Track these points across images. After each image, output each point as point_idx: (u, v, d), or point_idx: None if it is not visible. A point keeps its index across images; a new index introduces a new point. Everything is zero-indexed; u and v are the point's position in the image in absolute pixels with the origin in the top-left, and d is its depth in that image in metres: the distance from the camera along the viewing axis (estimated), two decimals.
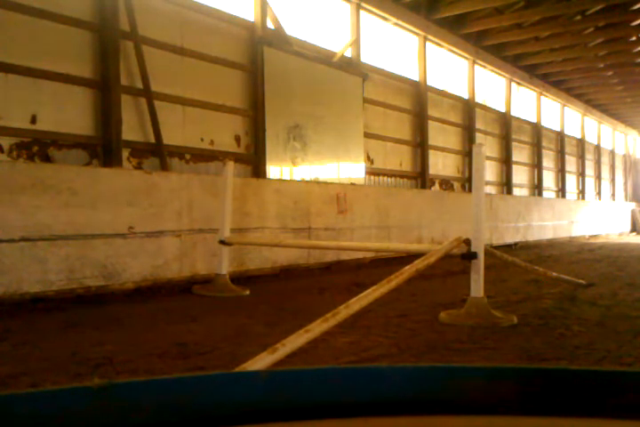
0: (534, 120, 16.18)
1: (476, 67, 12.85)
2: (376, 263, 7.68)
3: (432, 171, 11.37)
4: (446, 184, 12.10)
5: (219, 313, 4.16)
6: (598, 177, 21.41)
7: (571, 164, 18.84)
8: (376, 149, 9.91)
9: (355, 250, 7.04)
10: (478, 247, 3.82)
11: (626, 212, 21.46)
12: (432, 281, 5.95)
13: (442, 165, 11.93)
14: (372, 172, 9.77)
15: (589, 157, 20.55)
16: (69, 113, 5.57)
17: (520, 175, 15.32)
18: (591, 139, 20.66)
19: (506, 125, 14.39)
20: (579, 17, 12.09)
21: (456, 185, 12.43)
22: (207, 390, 0.58)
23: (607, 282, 5.91)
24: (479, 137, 13.00)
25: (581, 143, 19.60)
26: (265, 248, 6.18)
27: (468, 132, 12.73)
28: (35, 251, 4.30)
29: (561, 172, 17.98)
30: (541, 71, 15.10)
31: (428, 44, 11.04)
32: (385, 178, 10.21)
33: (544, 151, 16.62)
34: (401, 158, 10.61)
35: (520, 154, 15.29)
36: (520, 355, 2.93)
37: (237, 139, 7.38)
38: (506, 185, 14.41)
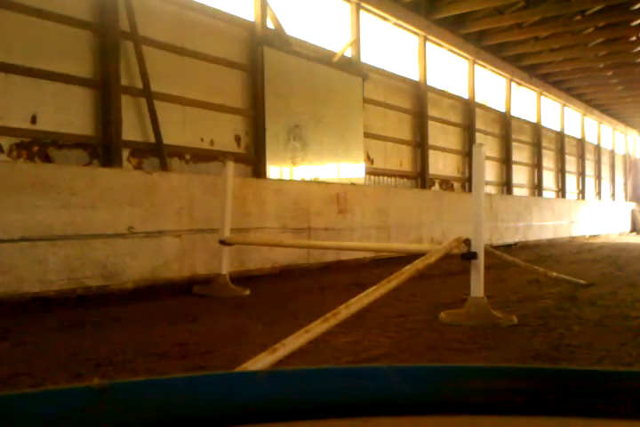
0: (534, 120, 16.18)
1: (476, 67, 12.85)
2: (376, 263, 7.68)
3: (432, 171, 11.37)
4: (446, 184, 12.10)
5: (219, 313, 4.16)
6: (598, 177, 21.41)
7: (571, 164, 18.84)
8: (376, 149, 9.90)
9: (355, 250, 7.04)
10: (478, 247, 3.82)
11: (626, 212, 21.46)
12: (432, 281, 5.95)
13: (442, 165, 11.93)
14: (372, 172, 9.77)
15: (589, 156, 20.54)
16: (69, 113, 5.57)
17: (520, 175, 15.32)
18: (591, 139, 20.66)
19: (506, 125, 14.39)
20: (579, 17, 12.08)
21: (456, 185, 12.43)
22: (207, 390, 0.58)
23: (607, 282, 5.91)
24: (479, 137, 13.00)
25: (581, 143, 19.60)
26: (265, 248, 6.18)
27: (468, 132, 12.73)
28: (35, 251, 4.30)
29: (561, 172, 17.98)
30: (541, 71, 15.09)
31: (427, 44, 11.04)
32: (385, 178, 10.21)
33: (544, 151, 16.62)
34: (401, 158, 10.61)
35: (520, 154, 15.29)
36: (520, 355, 2.93)
37: (237, 139, 7.38)
38: (506, 185, 14.40)
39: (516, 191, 14.89)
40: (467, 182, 12.46)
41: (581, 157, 19.66)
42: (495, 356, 2.90)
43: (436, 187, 11.70)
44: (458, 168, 12.50)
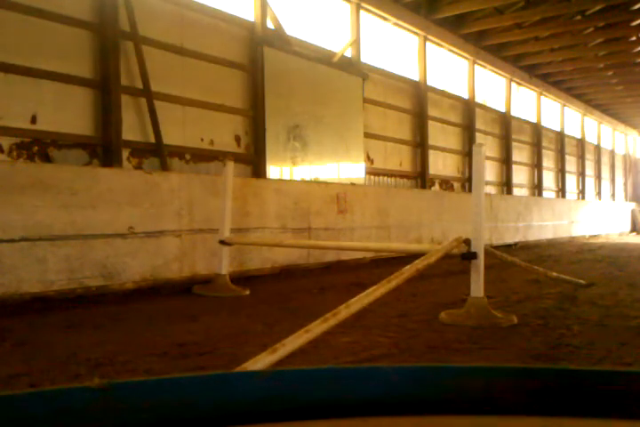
0: (534, 120, 16.17)
1: (476, 67, 12.85)
2: (376, 263, 7.68)
3: (432, 171, 11.37)
4: (446, 184, 12.10)
5: (219, 313, 4.16)
6: (598, 177, 21.41)
7: (571, 164, 18.84)
8: (376, 149, 9.90)
9: (355, 250, 7.04)
10: (478, 247, 3.82)
11: (626, 212, 21.46)
12: (432, 281, 5.95)
13: (442, 165, 11.93)
14: (372, 172, 9.77)
15: (589, 157, 20.54)
16: (69, 113, 5.57)
17: (520, 175, 15.32)
18: (591, 139, 20.66)
19: (506, 125, 14.39)
20: (579, 17, 12.08)
21: (456, 185, 12.43)
22: (207, 390, 0.58)
23: (607, 282, 5.91)
24: (479, 137, 13.00)
25: (581, 143, 19.60)
26: (265, 248, 6.18)
27: (468, 132, 12.73)
28: (35, 251, 4.30)
29: (561, 172, 17.98)
30: (541, 71, 15.10)
31: (428, 44, 11.04)
32: (385, 178, 10.21)
33: (544, 151, 16.62)
34: (401, 158, 10.61)
35: (520, 154, 15.29)
36: (520, 355, 2.93)
37: (237, 139, 7.38)
38: (506, 185, 14.40)
39: (516, 191, 14.89)
40: (467, 182, 12.46)
41: (581, 157, 19.66)
42: (495, 356, 2.90)
43: (436, 187, 11.70)
44: (458, 168, 12.50)
